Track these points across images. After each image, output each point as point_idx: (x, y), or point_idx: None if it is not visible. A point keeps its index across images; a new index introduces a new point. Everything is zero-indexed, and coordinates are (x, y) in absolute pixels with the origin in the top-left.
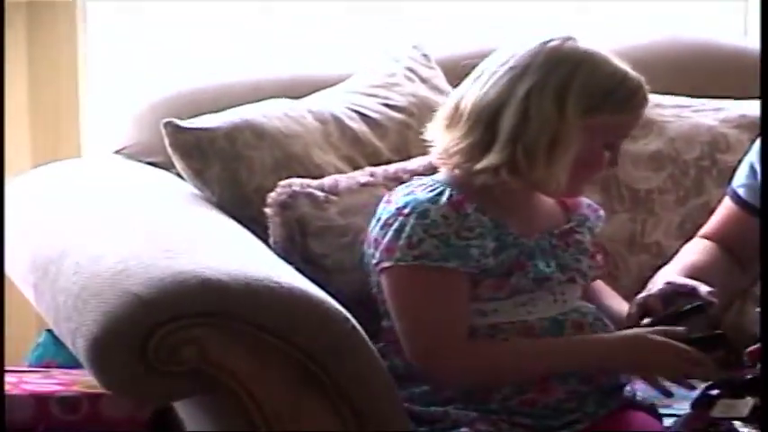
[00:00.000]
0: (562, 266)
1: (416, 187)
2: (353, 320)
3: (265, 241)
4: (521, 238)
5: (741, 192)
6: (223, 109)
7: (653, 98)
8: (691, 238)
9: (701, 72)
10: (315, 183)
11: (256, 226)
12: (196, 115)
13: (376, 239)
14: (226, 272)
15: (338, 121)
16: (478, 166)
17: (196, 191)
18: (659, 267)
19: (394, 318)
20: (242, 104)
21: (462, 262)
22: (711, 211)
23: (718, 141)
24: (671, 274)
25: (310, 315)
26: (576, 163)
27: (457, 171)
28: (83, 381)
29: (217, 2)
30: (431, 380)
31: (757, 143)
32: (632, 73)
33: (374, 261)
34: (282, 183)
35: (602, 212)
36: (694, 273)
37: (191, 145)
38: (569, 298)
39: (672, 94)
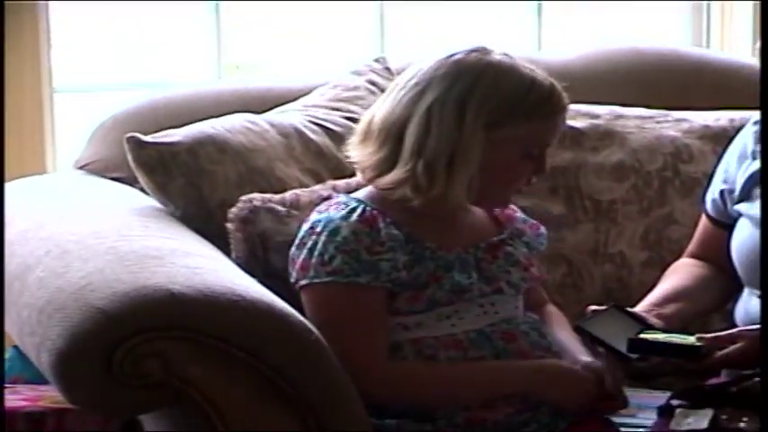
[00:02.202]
0: (487, 278)
1: (332, 205)
2: (317, 332)
3: (230, 255)
4: (438, 252)
5: (709, 208)
6: (186, 123)
7: (616, 110)
8: (654, 248)
9: (663, 83)
10: (276, 198)
11: (220, 240)
12: (159, 130)
13: (293, 259)
14: (190, 285)
15: (301, 134)
16: (383, 181)
17: (160, 205)
18: (623, 278)
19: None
20: (204, 119)
21: (373, 276)
22: (676, 222)
23: (680, 152)
24: (645, 304)
25: (274, 328)
26: (494, 175)
27: (375, 187)
28: (49, 396)
29: (179, 16)
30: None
31: (724, 158)
32: (543, 81)
33: (292, 281)
34: (243, 198)
35: (543, 230)
36: (677, 296)
37: (153, 160)
38: (501, 309)
39: (634, 105)
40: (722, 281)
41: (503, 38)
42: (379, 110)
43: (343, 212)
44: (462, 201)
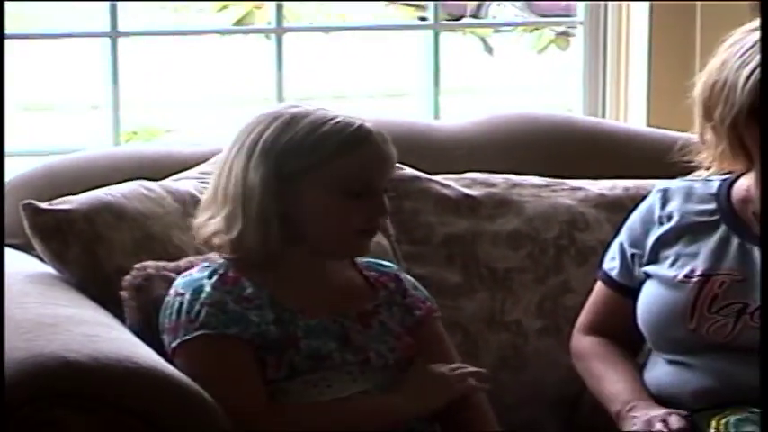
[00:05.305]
0: (354, 348)
1: (196, 268)
2: (213, 401)
3: (126, 322)
4: (299, 315)
5: (614, 274)
6: (82, 190)
7: (512, 178)
8: (549, 316)
9: (558, 152)
10: (171, 265)
11: (117, 307)
12: (55, 196)
13: (162, 325)
14: (85, 353)
15: (197, 201)
16: (217, 240)
17: (56, 272)
18: (518, 345)
19: None
20: (101, 185)
21: (242, 328)
22: (572, 290)
23: (576, 220)
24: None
25: (171, 396)
26: (315, 221)
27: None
28: None
29: (77, 82)
30: None
31: (626, 225)
32: (339, 118)
33: (166, 348)
34: (137, 266)
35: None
36: (635, 378)
37: (49, 227)
38: (372, 378)
39: (530, 173)
40: (628, 351)
41: (401, 107)
42: (212, 178)
43: (206, 272)
44: (272, 250)
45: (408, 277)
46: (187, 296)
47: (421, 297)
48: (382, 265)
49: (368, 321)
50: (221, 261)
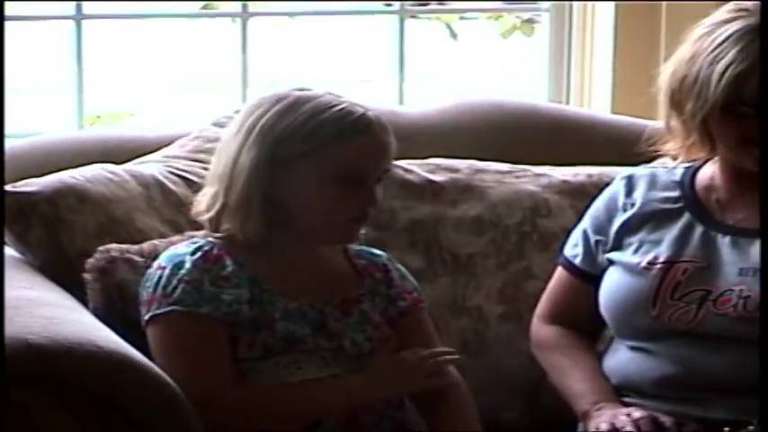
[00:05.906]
0: (329, 334)
1: (183, 243)
2: (173, 384)
3: (88, 305)
4: (279, 297)
5: (577, 261)
6: (46, 173)
7: (475, 164)
8: (511, 302)
9: (522, 138)
10: (134, 248)
11: (79, 290)
12: (18, 179)
13: (140, 297)
14: (47, 336)
15: (161, 185)
16: (202, 218)
17: (18, 255)
18: (479, 331)
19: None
20: (65, 168)
21: (214, 307)
22: (534, 276)
23: (539, 207)
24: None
25: (130, 379)
26: (306, 207)
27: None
28: None
29: (40, 65)
30: (210, 425)
31: (590, 212)
32: (340, 104)
33: (142, 321)
34: (101, 248)
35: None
36: (598, 374)
37: (12, 209)
38: (344, 364)
39: (494, 160)
40: (590, 341)
41: (365, 92)
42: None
43: (191, 248)
44: (260, 235)
45: (398, 266)
46: (167, 271)
47: (408, 288)
48: (372, 253)
49: (348, 309)
50: (209, 239)
